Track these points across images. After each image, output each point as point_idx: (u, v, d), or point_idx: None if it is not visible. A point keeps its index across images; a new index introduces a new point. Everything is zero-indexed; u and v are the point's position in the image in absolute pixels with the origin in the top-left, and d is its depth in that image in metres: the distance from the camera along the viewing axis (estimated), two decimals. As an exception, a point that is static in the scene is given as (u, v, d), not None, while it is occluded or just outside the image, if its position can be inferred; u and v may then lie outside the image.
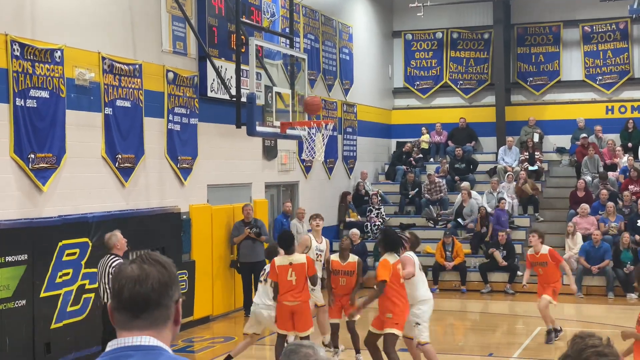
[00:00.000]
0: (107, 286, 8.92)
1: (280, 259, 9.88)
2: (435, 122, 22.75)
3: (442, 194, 20.19)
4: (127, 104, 12.38)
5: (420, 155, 22.29)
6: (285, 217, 16.55)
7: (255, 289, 10.93)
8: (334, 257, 10.62)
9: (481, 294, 17.51)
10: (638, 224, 17.69)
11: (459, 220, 19.30)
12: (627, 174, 19.42)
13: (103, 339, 9.23)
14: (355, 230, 18.41)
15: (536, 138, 21.73)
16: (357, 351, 10.68)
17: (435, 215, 19.97)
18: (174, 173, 13.59)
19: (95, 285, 9.57)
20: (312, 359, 3.29)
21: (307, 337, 9.82)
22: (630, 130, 21.06)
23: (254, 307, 10.46)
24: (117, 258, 9.14)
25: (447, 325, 14.61)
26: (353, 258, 10.60)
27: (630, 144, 20.87)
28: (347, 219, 19.60)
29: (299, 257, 9.95)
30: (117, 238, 9.26)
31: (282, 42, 15.12)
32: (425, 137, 22.65)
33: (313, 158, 14.13)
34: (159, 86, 13.18)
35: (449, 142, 22.41)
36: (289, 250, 9.89)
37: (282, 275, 9.73)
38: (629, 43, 21.92)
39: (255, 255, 14.43)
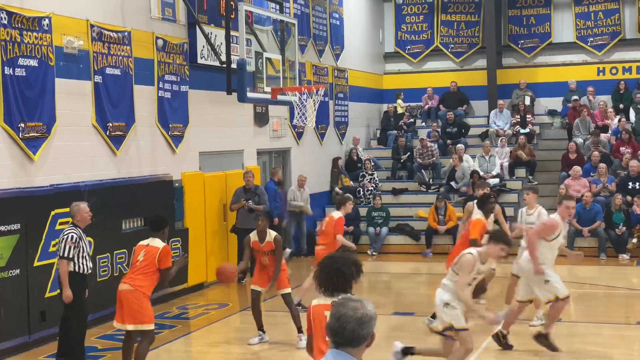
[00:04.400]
0: (61, 252, 8.89)
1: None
2: (426, 87, 22.69)
3: (434, 159, 20.20)
4: (117, 71, 12.29)
5: (412, 120, 22.26)
6: (275, 184, 16.56)
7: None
8: (254, 236, 10.21)
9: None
10: (628, 185, 17.76)
11: (452, 184, 19.34)
12: (619, 135, 19.44)
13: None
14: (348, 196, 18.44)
15: (527, 101, 21.71)
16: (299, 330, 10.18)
17: (427, 179, 20.00)
18: (166, 141, 13.54)
19: (90, 253, 9.54)
20: (360, 312, 3.43)
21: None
22: (621, 92, 21.05)
23: None
24: (72, 229, 8.98)
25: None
26: (271, 237, 10.17)
27: (621, 105, 20.88)
28: (335, 189, 19.55)
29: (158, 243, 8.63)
30: (78, 209, 9.10)
31: (272, 8, 15.00)
32: (400, 102, 22.57)
33: (304, 124, 14.08)
34: (148, 53, 13.08)
35: (441, 106, 22.38)
36: (156, 234, 8.66)
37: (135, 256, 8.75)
38: (620, 4, 21.83)
39: (252, 222, 14.42)
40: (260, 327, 10.44)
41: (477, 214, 10.92)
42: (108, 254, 11.75)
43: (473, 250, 8.11)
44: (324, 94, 15.32)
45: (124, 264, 11.89)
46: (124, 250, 11.89)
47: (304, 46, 18.17)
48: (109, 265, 11.78)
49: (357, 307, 3.44)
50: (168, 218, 9.08)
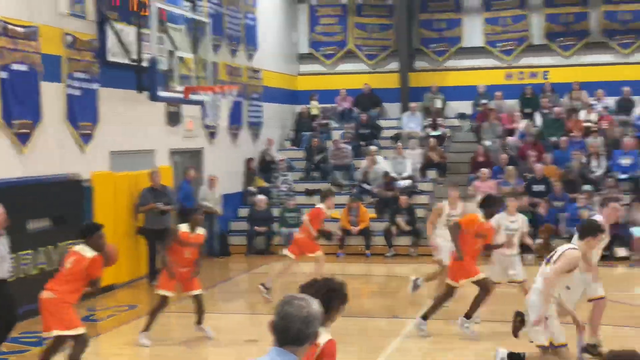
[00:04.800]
0: None
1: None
2: (340, 88, 22.84)
3: (347, 160, 20.35)
4: (24, 67, 11.96)
5: (326, 121, 22.37)
6: (188, 184, 16.38)
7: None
8: (184, 227, 10.25)
9: (384, 258, 17.80)
10: (533, 188, 18.26)
11: (364, 185, 19.52)
12: (525, 138, 19.97)
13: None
14: (261, 197, 18.45)
15: (439, 104, 22.10)
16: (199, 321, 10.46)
17: (341, 180, 20.12)
18: (74, 140, 13.25)
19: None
20: (305, 311, 3.42)
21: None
22: (528, 96, 21.63)
23: None
24: None
25: (354, 289, 14.74)
26: (201, 230, 10.38)
27: (528, 110, 21.44)
28: (250, 188, 19.48)
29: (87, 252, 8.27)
30: None
31: (185, 6, 14.86)
32: (315, 104, 22.67)
33: (217, 124, 14.00)
34: (57, 50, 12.78)
35: (354, 108, 22.56)
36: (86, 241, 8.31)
37: None
38: (528, 10, 22.42)
39: (161, 223, 14.28)
40: (147, 328, 10.29)
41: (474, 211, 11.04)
42: (13, 254, 11.40)
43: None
44: (237, 94, 15.27)
45: (29, 265, 11.58)
46: (30, 251, 11.57)
47: (217, 46, 18.05)
48: (14, 266, 11.43)
49: (303, 305, 3.44)
50: (101, 224, 8.65)
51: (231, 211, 18.74)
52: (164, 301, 10.26)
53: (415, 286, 12.54)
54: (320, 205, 13.04)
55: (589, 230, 8.34)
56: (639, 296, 14.23)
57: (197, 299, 10.36)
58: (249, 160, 19.90)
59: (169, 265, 10.20)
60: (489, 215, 10.31)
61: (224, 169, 18.40)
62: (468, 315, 10.33)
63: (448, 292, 10.53)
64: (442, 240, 12.06)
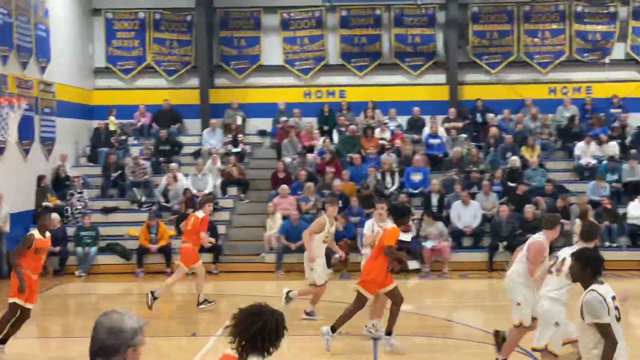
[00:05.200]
0: None
1: None
2: (139, 104, 22.36)
3: (146, 177, 19.93)
4: None
5: (123, 137, 21.80)
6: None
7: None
8: (37, 234, 9.96)
9: (187, 275, 17.52)
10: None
11: (164, 202, 19.18)
12: (323, 155, 20.45)
13: None
14: (54, 215, 17.64)
15: (239, 121, 22.18)
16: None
17: (139, 197, 19.66)
18: None
19: None
20: (114, 322, 3.40)
21: None
22: (326, 114, 22.18)
23: None
24: None
25: (154, 309, 14.43)
26: (49, 232, 10.37)
27: (326, 127, 21.97)
28: (45, 203, 18.61)
29: None
30: None
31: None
32: (112, 119, 22.09)
33: (5, 138, 13.25)
34: None
35: (154, 124, 22.16)
36: None
37: None
38: (324, 30, 23.03)
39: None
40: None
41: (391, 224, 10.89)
42: None
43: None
44: (27, 108, 14.56)
45: None
46: None
47: (5, 57, 17.14)
48: None
49: (116, 318, 3.41)
50: None
51: (22, 230, 17.75)
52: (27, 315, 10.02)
53: (288, 299, 12.45)
54: (199, 213, 13.29)
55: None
56: (431, 307, 14.88)
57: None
58: (41, 177, 18.99)
59: (21, 274, 9.79)
60: (400, 225, 10.48)
61: (14, 186, 17.45)
62: (389, 332, 10.38)
63: (361, 303, 10.46)
64: (320, 259, 12.10)
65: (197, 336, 11.94)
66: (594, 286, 5.82)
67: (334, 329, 10.23)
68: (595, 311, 5.68)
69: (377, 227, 11.38)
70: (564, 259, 7.89)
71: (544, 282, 8.13)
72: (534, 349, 8.27)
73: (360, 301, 10.35)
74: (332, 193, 17.57)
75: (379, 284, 10.32)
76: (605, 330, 5.68)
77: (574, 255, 6.12)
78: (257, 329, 3.98)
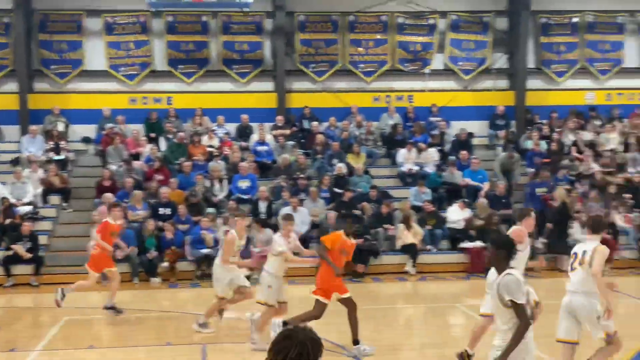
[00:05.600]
0: None
1: None
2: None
3: (-41, 186, 18.82)
4: None
5: None
6: None
7: None
8: None
9: (4, 288, 16.71)
10: (159, 211, 18.39)
11: (-21, 213, 18.18)
12: (151, 163, 20.06)
13: None
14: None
15: (61, 127, 21.37)
16: None
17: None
18: None
19: None
20: None
21: None
22: (152, 121, 21.77)
23: None
24: None
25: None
26: None
27: (153, 134, 21.57)
28: None
29: None
30: None
31: None
32: None
33: None
34: None
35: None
36: None
37: None
38: (150, 36, 22.58)
39: None
40: None
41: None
42: None
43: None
44: None
45: None
46: None
47: None
48: None
49: None
50: None
51: None
52: None
53: (202, 326, 12.08)
54: (107, 219, 13.45)
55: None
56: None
57: None
58: None
59: None
60: (350, 232, 10.62)
61: None
62: (356, 341, 10.46)
63: (321, 310, 10.43)
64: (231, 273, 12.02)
65: (16, 351, 11.37)
66: (510, 270, 6.20)
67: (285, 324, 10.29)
68: (513, 291, 6.04)
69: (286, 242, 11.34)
70: (584, 252, 8.29)
71: (571, 280, 8.32)
72: (607, 342, 8.31)
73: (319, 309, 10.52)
74: (239, 208, 17.58)
75: (337, 288, 10.56)
76: (520, 311, 6.05)
77: (489, 240, 6.46)
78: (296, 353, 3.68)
